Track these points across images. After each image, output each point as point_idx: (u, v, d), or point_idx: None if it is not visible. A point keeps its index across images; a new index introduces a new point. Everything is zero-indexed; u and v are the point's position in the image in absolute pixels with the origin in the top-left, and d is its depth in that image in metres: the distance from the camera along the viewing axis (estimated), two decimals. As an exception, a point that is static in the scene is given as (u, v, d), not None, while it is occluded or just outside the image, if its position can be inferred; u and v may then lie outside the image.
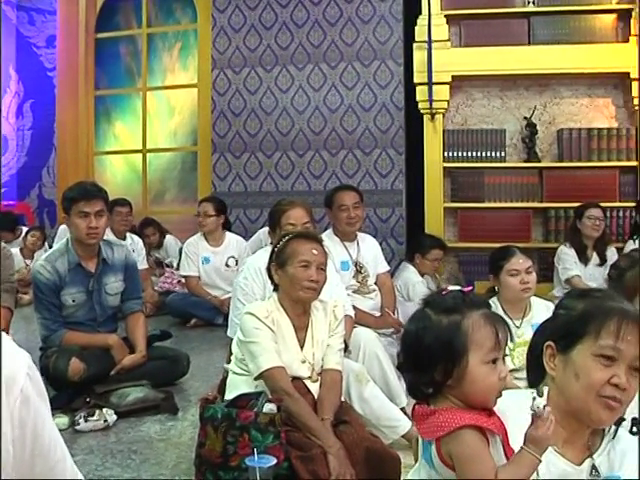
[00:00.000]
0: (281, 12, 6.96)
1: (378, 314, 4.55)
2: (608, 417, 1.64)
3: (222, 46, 7.09)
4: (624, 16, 6.48)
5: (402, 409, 3.59)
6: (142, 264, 6.15)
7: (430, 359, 1.63)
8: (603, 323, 1.63)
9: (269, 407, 2.60)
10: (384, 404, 3.39)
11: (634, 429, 2.13)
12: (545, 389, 1.71)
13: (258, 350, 2.78)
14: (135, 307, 4.14)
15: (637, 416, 2.13)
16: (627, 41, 6.39)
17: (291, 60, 6.95)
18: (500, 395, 1.64)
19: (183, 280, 6.26)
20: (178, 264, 6.49)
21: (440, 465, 1.62)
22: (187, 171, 8.00)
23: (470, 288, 1.77)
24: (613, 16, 6.52)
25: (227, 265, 6.03)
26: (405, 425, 3.32)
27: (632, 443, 1.77)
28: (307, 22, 6.91)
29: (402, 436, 3.30)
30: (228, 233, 6.21)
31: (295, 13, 6.93)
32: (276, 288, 2.99)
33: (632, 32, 6.36)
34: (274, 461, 2.37)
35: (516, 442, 1.61)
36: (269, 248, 3.29)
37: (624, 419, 2.06)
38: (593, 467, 1.67)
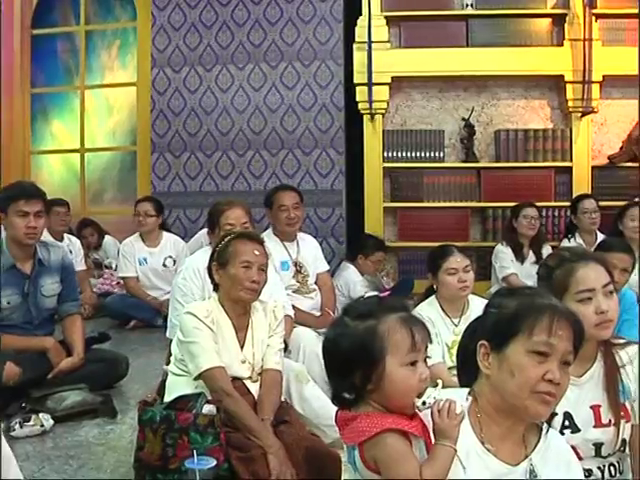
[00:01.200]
0: (222, 11, 6.92)
1: (318, 314, 4.56)
2: (544, 411, 1.68)
3: (162, 44, 7.01)
4: (559, 21, 6.63)
5: (342, 408, 3.60)
6: (80, 265, 6.06)
7: (349, 365, 1.65)
8: (536, 320, 1.67)
9: (208, 408, 2.59)
10: (325, 403, 3.38)
11: (566, 423, 2.20)
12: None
13: (198, 350, 2.77)
14: (72, 309, 4.07)
15: (569, 410, 2.20)
16: (562, 45, 6.54)
17: (231, 59, 6.92)
18: (420, 396, 1.66)
19: (122, 282, 6.19)
20: (117, 265, 6.40)
21: (364, 469, 1.64)
22: (126, 171, 7.89)
23: (388, 293, 1.80)
24: (548, 20, 6.66)
25: (164, 265, 5.98)
26: (346, 424, 3.33)
27: (560, 442, 1.82)
28: (248, 21, 6.88)
29: (343, 435, 3.32)
30: (165, 233, 6.16)
31: (236, 12, 6.89)
32: (216, 288, 2.98)
33: (566, 36, 6.52)
34: (214, 463, 2.36)
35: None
36: (208, 249, 3.28)
37: (556, 414, 2.11)
38: (531, 470, 1.71)
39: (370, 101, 6.39)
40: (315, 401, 3.33)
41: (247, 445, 2.61)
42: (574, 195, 6.29)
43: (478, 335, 1.78)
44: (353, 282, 5.32)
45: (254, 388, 2.86)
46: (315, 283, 4.67)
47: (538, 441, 1.76)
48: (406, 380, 1.64)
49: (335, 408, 3.42)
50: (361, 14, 6.49)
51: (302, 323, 4.10)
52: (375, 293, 1.81)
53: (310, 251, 4.71)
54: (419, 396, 1.65)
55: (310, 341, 3.81)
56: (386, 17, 6.54)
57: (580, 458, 2.16)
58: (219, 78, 6.94)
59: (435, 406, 1.64)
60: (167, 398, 2.79)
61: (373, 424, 1.60)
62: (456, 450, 1.63)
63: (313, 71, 6.80)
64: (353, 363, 1.64)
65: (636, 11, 6.61)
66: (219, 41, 6.92)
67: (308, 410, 3.29)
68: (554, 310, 1.69)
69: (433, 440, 1.65)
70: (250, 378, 2.87)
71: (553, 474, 1.71)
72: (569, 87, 6.52)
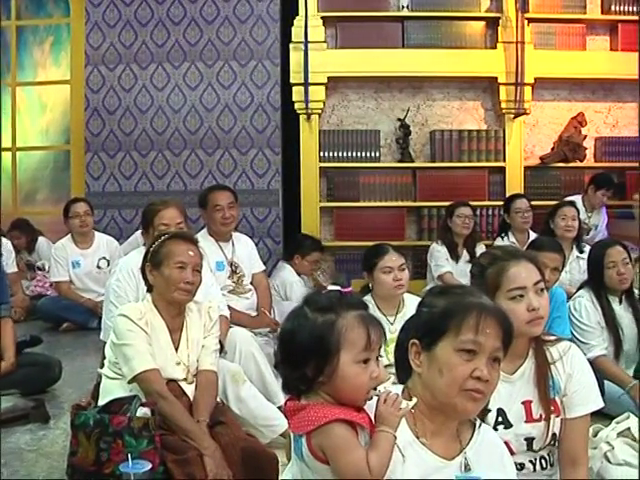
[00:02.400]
0: (157, 9, 6.84)
1: (254, 314, 4.56)
2: (473, 408, 1.70)
3: (96, 42, 6.89)
4: (492, 24, 6.74)
5: (279, 408, 3.60)
6: (11, 267, 5.90)
7: (303, 355, 1.67)
8: (463, 318, 1.70)
9: (143, 411, 2.57)
10: (261, 404, 3.40)
11: (499, 419, 2.24)
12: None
13: (131, 353, 2.74)
14: (2, 312, 3.97)
15: (501, 407, 2.24)
16: (495, 47, 6.65)
17: (167, 58, 6.85)
18: (370, 398, 1.69)
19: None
20: (49, 268, 6.27)
21: (311, 459, 1.65)
22: (59, 170, 7.75)
23: (350, 289, 1.81)
24: (482, 23, 6.76)
25: (99, 267, 5.88)
26: (283, 424, 3.34)
27: (493, 437, 1.85)
28: (184, 20, 6.82)
29: (280, 435, 3.33)
30: (97, 234, 6.05)
31: (172, 10, 6.82)
32: (150, 289, 2.96)
33: (499, 39, 6.64)
34: (149, 466, 2.33)
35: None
36: (142, 249, 3.24)
37: (490, 410, 2.15)
38: (465, 464, 1.73)
39: (306, 101, 6.40)
40: (251, 401, 3.34)
41: (183, 447, 2.60)
42: (507, 195, 6.40)
43: (410, 334, 1.80)
44: (290, 282, 5.32)
45: (189, 390, 2.84)
46: (251, 283, 4.67)
47: (472, 436, 1.79)
48: (357, 377, 1.66)
49: (272, 408, 3.47)
50: (298, 14, 6.49)
51: (238, 323, 4.09)
52: (337, 288, 1.81)
53: (245, 251, 4.70)
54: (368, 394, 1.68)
55: (246, 341, 3.80)
56: (322, 17, 6.55)
57: (512, 453, 2.21)
58: (154, 77, 6.86)
59: (383, 395, 1.67)
60: (101, 402, 2.75)
61: (321, 414, 1.62)
62: (396, 437, 1.66)
63: (250, 71, 6.78)
64: (308, 354, 1.66)
65: (566, 17, 6.80)
66: (155, 39, 6.84)
67: (245, 411, 3.30)
68: (481, 308, 1.71)
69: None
70: (185, 380, 2.86)
71: (487, 468, 1.74)
72: (502, 89, 6.63)
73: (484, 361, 1.68)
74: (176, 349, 2.88)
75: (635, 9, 6.88)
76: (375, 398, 1.69)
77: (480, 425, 1.81)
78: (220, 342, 3.18)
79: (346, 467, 1.61)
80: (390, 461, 1.65)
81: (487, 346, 1.68)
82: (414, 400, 1.71)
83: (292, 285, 5.29)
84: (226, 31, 6.79)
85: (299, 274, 5.47)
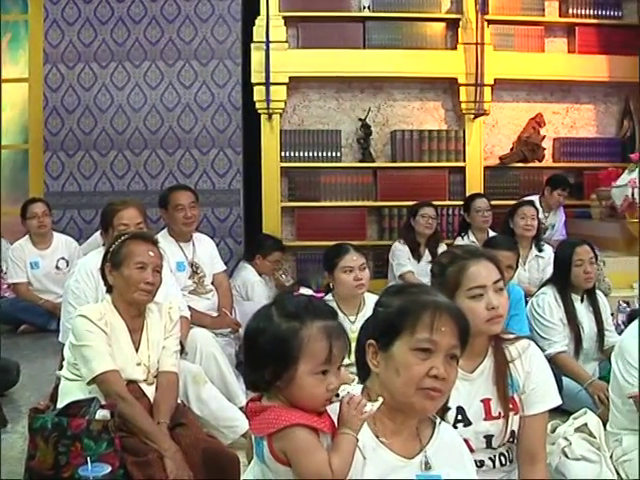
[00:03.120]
0: (117, 7, 6.77)
1: (215, 314, 4.54)
2: (431, 406, 1.71)
3: (55, 40, 6.81)
4: (453, 25, 6.80)
5: (241, 409, 3.60)
6: (-33, 269, 5.84)
7: (263, 358, 1.66)
8: (417, 317, 1.70)
9: (102, 413, 2.55)
10: (222, 405, 3.39)
11: (459, 417, 2.26)
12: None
13: (91, 354, 2.72)
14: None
15: (461, 405, 2.26)
16: (455, 48, 6.72)
17: (127, 56, 6.78)
18: (330, 403, 1.69)
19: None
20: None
21: (272, 461, 1.64)
22: (17, 170, 7.62)
23: (321, 295, 1.81)
24: (442, 24, 6.81)
25: (57, 267, 5.82)
26: (244, 425, 3.33)
27: (453, 435, 1.87)
28: (144, 18, 6.76)
29: (242, 435, 3.31)
30: (56, 234, 5.99)
31: (132, 9, 6.76)
32: (109, 290, 2.93)
33: (460, 40, 6.70)
34: (109, 469, 2.32)
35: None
36: (102, 249, 3.22)
37: (449, 408, 2.17)
38: (425, 462, 1.74)
39: (268, 101, 6.39)
40: (213, 402, 3.32)
41: (143, 449, 2.59)
42: (467, 194, 6.47)
43: (368, 334, 1.81)
44: (251, 282, 5.30)
45: (150, 391, 2.83)
46: (212, 283, 4.65)
47: (432, 435, 1.79)
48: (314, 388, 1.65)
49: (233, 408, 3.46)
50: (259, 14, 6.47)
51: (199, 324, 4.07)
52: (309, 292, 1.80)
53: (206, 251, 4.68)
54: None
55: (207, 342, 3.79)
56: (284, 17, 6.54)
57: (472, 450, 2.24)
58: (114, 75, 6.80)
59: (346, 397, 1.67)
60: (60, 404, 2.73)
61: (282, 417, 1.62)
62: (358, 440, 1.66)
63: (211, 70, 6.74)
64: (267, 358, 1.65)
65: (525, 19, 6.89)
66: (115, 37, 6.78)
67: (206, 412, 3.28)
68: (435, 307, 1.72)
69: None
70: (145, 381, 2.84)
71: (447, 466, 1.75)
72: (462, 90, 6.69)
73: (440, 359, 1.68)
74: (136, 350, 2.86)
75: (592, 12, 7.00)
76: (340, 400, 1.69)
77: (440, 423, 1.82)
78: (181, 343, 3.17)
79: (308, 469, 1.61)
80: (352, 463, 1.65)
81: (443, 344, 1.69)
82: (379, 402, 1.70)
83: (254, 285, 5.28)
84: (187, 30, 6.75)
85: (260, 274, 5.46)
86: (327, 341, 1.66)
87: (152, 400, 2.81)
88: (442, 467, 1.75)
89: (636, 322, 3.37)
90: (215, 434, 3.13)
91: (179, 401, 2.97)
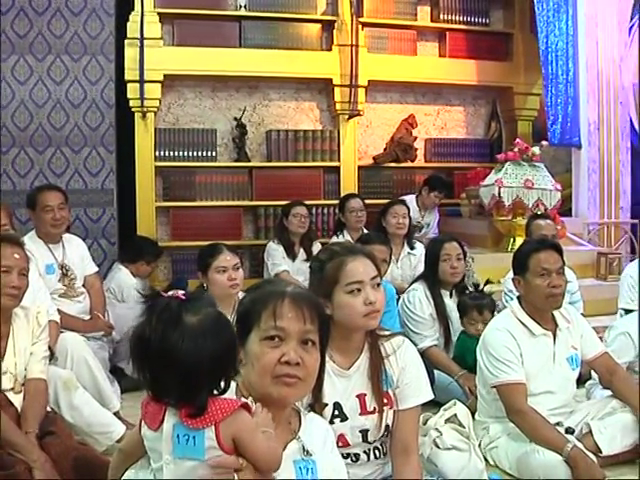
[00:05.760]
0: (-23, -3, 6.48)
1: (87, 317, 4.43)
2: (289, 393, 1.72)
3: None
4: (328, 26, 6.89)
5: (116, 413, 3.53)
6: None
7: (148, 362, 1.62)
8: (262, 308, 1.73)
9: (-35, 425, 2.44)
10: (95, 410, 3.31)
11: (336, 412, 2.30)
12: None
13: (-48, 364, 2.60)
14: None
15: (338, 400, 2.30)
16: (330, 50, 6.81)
17: (-7, 50, 6.50)
18: None
19: None
20: None
21: (215, 450, 1.57)
22: None
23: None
24: (318, 26, 6.89)
25: None
26: (119, 430, 3.28)
27: (320, 423, 1.88)
28: (11, 9, 6.46)
29: (117, 441, 3.24)
30: None
31: (-1, -1, 6.49)
32: (-28, 296, 2.81)
33: (335, 42, 6.80)
34: (-28, 483, 2.23)
35: None
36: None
37: (326, 404, 2.22)
38: (303, 447, 1.75)
39: (142, 98, 6.25)
40: (85, 408, 3.25)
41: (9, 462, 2.51)
42: (342, 193, 6.56)
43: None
44: (127, 285, 5.20)
45: (17, 400, 2.74)
46: (83, 286, 4.52)
47: (300, 423, 1.81)
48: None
49: (107, 414, 3.40)
50: (133, 9, 6.33)
51: (69, 328, 3.96)
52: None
53: (77, 253, 4.54)
54: None
55: (78, 346, 3.69)
56: (159, 14, 6.43)
57: (348, 444, 2.30)
58: (-24, 69, 6.50)
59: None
60: None
61: (226, 403, 1.60)
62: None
63: (83, 66, 6.54)
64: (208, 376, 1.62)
65: (398, 22, 7.07)
66: (-21, 30, 6.48)
67: (78, 418, 3.20)
68: (279, 295, 1.75)
69: None
70: (12, 389, 2.76)
71: (319, 452, 1.77)
72: (337, 90, 6.80)
73: (292, 345, 1.70)
74: (2, 357, 2.76)
75: (462, 19, 7.26)
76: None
77: (306, 414, 1.85)
78: (50, 348, 3.08)
79: (262, 445, 1.61)
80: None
81: (291, 330, 1.71)
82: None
83: (130, 288, 5.17)
84: (58, 23, 6.51)
85: (135, 276, 5.36)
86: None
87: (19, 409, 2.72)
88: (316, 449, 1.77)
89: (498, 316, 3.56)
90: (89, 441, 3.07)
91: (49, 409, 2.89)
